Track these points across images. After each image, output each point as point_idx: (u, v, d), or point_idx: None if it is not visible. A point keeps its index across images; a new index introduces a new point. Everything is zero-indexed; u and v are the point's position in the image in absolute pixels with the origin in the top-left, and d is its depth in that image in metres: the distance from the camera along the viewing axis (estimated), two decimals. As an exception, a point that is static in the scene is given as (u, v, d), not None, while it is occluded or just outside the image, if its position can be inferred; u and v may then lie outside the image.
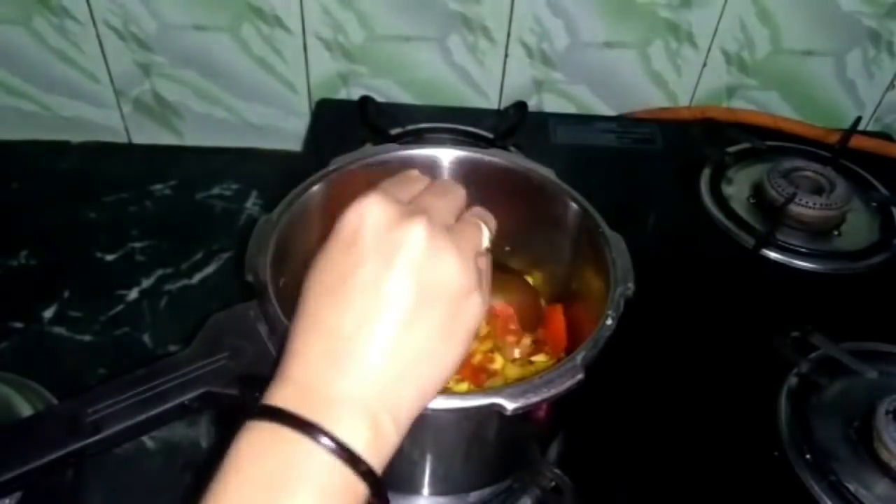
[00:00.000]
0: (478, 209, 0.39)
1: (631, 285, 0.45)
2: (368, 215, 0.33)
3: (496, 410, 0.37)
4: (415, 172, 0.40)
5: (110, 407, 0.38)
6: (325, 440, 0.29)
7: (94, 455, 0.38)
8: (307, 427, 0.29)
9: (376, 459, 0.30)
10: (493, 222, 0.39)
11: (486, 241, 0.37)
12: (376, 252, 0.32)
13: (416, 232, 0.32)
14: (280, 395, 0.31)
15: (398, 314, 0.31)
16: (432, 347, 0.32)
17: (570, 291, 0.55)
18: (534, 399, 0.38)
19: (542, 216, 0.55)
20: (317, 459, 0.29)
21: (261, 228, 0.47)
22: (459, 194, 0.38)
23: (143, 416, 0.38)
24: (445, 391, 0.35)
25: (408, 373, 0.32)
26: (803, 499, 0.50)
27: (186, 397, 0.39)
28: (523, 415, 0.38)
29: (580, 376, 0.39)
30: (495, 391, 0.38)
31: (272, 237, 0.46)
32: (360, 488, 0.30)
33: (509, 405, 0.37)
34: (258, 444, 0.30)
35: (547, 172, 0.54)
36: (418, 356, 0.32)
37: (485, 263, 0.36)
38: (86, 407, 0.38)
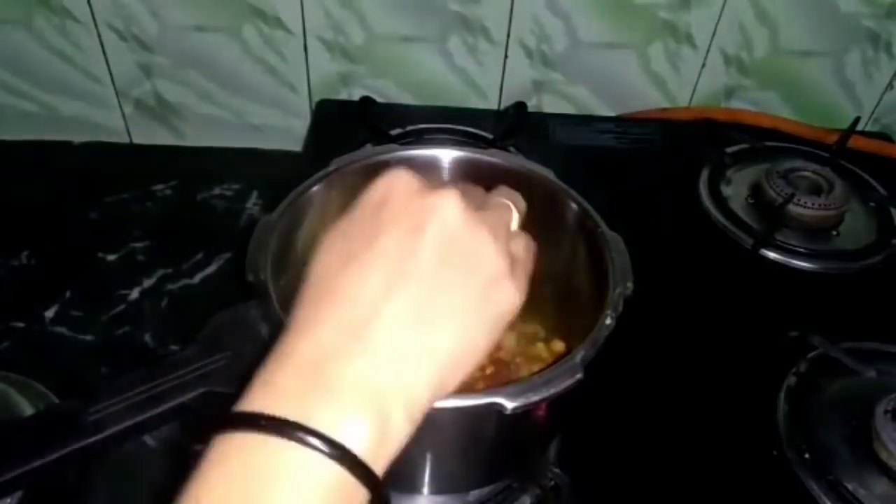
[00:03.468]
0: (504, 189, 0.37)
1: (630, 285, 0.46)
2: (399, 183, 0.31)
3: (496, 409, 0.38)
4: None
5: (111, 406, 0.38)
6: (317, 443, 0.25)
7: (96, 455, 0.38)
8: (294, 431, 0.25)
9: (382, 461, 0.27)
10: (522, 203, 0.36)
11: (515, 223, 0.35)
12: (407, 216, 0.30)
13: (449, 202, 0.30)
14: (281, 374, 0.27)
15: (427, 285, 0.29)
16: (460, 330, 0.29)
17: (569, 291, 0.55)
18: (533, 398, 0.38)
19: (541, 216, 0.55)
20: (307, 463, 0.25)
21: (261, 229, 0.47)
22: (480, 188, 0.37)
23: (143, 416, 0.38)
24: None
25: (431, 356, 0.28)
26: (802, 499, 0.50)
27: (187, 397, 0.39)
28: (523, 414, 0.38)
29: (579, 375, 0.39)
30: (495, 390, 0.39)
31: (272, 237, 0.47)
32: (360, 495, 0.26)
33: (509, 404, 0.38)
34: (235, 449, 0.25)
35: (546, 172, 0.54)
36: (444, 338, 0.29)
37: (520, 247, 0.34)
38: (87, 406, 0.38)
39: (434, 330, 0.29)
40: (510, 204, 0.35)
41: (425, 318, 0.29)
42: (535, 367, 0.54)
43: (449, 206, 0.30)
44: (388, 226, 0.30)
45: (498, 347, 0.55)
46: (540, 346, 0.57)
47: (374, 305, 0.28)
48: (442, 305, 0.29)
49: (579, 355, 0.40)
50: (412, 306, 0.28)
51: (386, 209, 0.30)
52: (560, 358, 0.45)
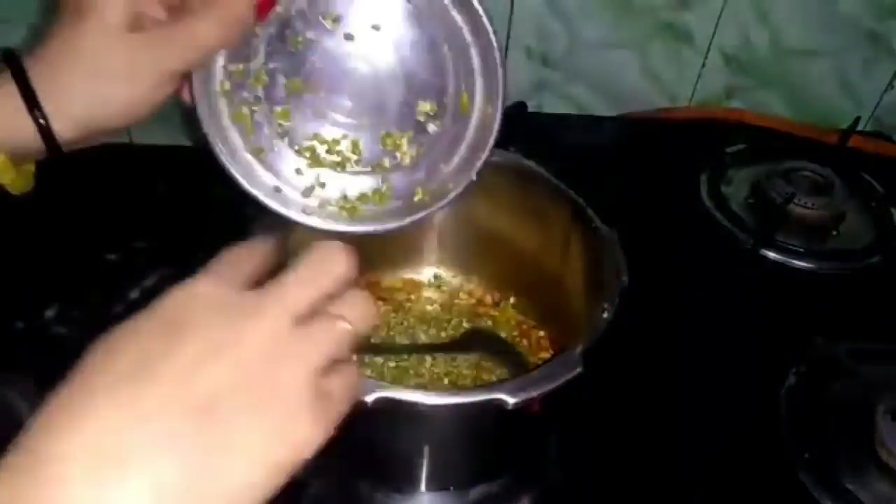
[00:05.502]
0: (353, 295, 0.30)
1: (625, 278, 0.46)
2: (201, 299, 0.28)
3: (497, 405, 0.38)
4: (265, 246, 0.33)
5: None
6: None
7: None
8: None
9: None
10: (366, 316, 0.30)
11: (342, 349, 0.29)
12: (205, 341, 0.26)
13: (253, 328, 0.27)
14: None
15: (206, 419, 0.25)
16: (226, 462, 0.25)
17: (565, 286, 0.55)
18: (534, 392, 0.38)
19: (535, 212, 0.56)
20: None
21: (258, 229, 0.47)
22: (331, 272, 0.30)
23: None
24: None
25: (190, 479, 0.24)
26: (803, 499, 0.50)
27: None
28: (523, 409, 0.38)
29: (579, 369, 0.39)
30: (496, 386, 0.39)
31: (269, 238, 0.47)
32: None
33: (510, 399, 0.38)
34: None
35: (541, 170, 0.55)
36: (210, 463, 0.25)
37: (337, 384, 0.29)
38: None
39: (202, 457, 0.25)
40: (342, 323, 0.29)
41: (197, 449, 0.25)
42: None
43: (252, 335, 0.27)
44: (178, 347, 0.26)
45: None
46: None
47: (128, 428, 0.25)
48: (218, 439, 0.25)
49: (578, 349, 0.41)
50: (183, 440, 0.25)
51: (180, 331, 0.27)
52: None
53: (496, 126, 0.43)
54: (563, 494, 0.50)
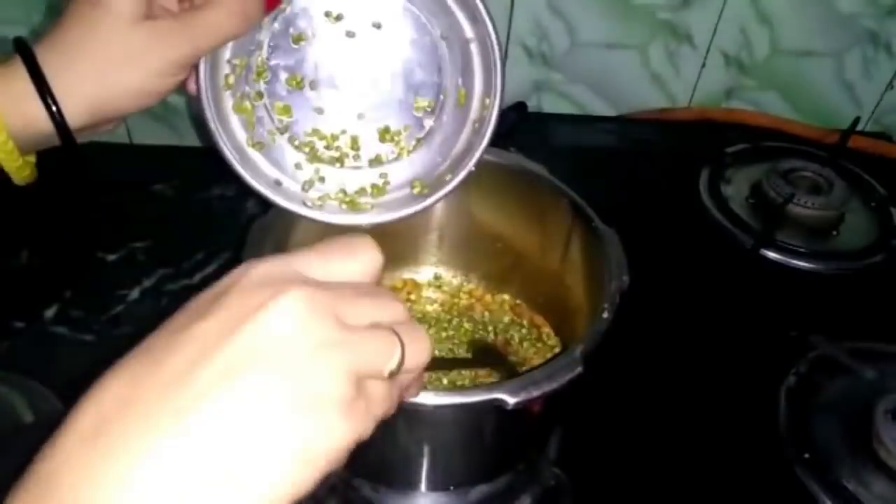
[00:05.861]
0: (410, 326, 0.29)
1: (625, 278, 0.46)
2: (253, 272, 0.26)
3: (497, 405, 0.38)
4: (363, 241, 0.31)
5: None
6: None
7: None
8: None
9: None
10: (423, 351, 0.29)
11: (392, 365, 0.27)
12: (238, 307, 0.25)
13: (292, 302, 0.25)
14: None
15: (216, 393, 0.23)
16: (244, 457, 0.23)
17: (565, 286, 0.55)
18: (535, 393, 0.38)
19: (535, 212, 0.56)
20: None
21: (255, 231, 0.48)
22: (394, 307, 0.29)
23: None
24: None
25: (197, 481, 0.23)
26: (803, 498, 0.50)
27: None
28: (523, 409, 0.38)
29: (579, 369, 0.39)
30: (496, 386, 0.39)
31: (267, 239, 0.47)
32: None
33: (510, 399, 0.38)
34: None
35: (540, 169, 0.55)
36: (220, 455, 0.23)
37: (379, 391, 0.27)
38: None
39: (207, 442, 0.23)
40: (397, 342, 0.27)
41: (206, 428, 0.23)
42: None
43: (289, 309, 0.25)
44: (204, 315, 0.25)
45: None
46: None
47: (133, 403, 0.24)
48: (235, 418, 0.23)
49: (579, 349, 0.41)
50: (193, 412, 0.23)
51: (216, 301, 0.26)
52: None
53: (493, 119, 0.44)
54: (563, 494, 0.50)
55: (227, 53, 0.42)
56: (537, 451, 0.52)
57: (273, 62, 0.44)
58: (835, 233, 0.73)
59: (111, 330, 0.63)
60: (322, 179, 0.46)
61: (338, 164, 0.46)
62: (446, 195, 0.45)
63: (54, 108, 0.36)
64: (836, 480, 0.50)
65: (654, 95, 0.88)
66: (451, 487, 0.49)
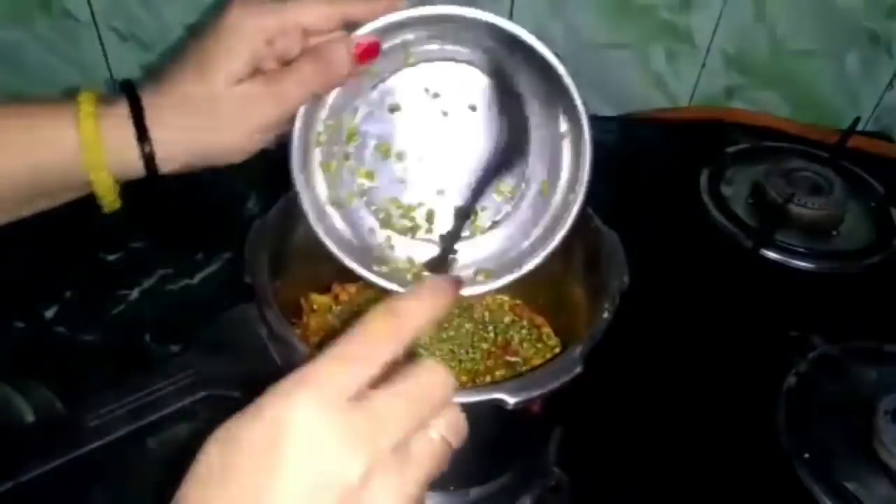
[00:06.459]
0: (452, 411, 0.29)
1: (625, 278, 0.46)
2: (294, 426, 0.25)
3: (497, 405, 0.38)
4: (388, 325, 0.28)
5: (111, 412, 0.38)
6: None
7: (97, 461, 0.38)
8: None
9: None
10: (461, 432, 0.30)
11: (442, 465, 0.29)
12: (305, 477, 0.25)
13: (353, 469, 0.25)
14: None
15: None
16: None
17: (565, 287, 0.55)
18: (535, 393, 0.38)
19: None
20: None
21: (256, 231, 0.48)
22: (437, 397, 0.29)
23: (143, 422, 0.38)
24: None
25: None
26: (802, 498, 0.50)
27: (187, 401, 0.39)
28: (523, 409, 0.38)
29: (579, 369, 0.39)
30: (496, 386, 0.39)
31: (268, 239, 0.47)
32: None
33: (511, 399, 0.38)
34: None
35: None
36: None
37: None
38: (87, 413, 0.38)
39: None
40: (446, 445, 0.29)
41: None
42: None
43: (350, 474, 0.25)
44: (275, 487, 0.24)
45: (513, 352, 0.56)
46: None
47: None
48: None
49: (579, 349, 0.41)
50: None
51: (275, 468, 0.24)
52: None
53: (573, 216, 0.44)
54: (563, 494, 0.50)
55: (324, 113, 0.43)
56: (537, 451, 0.52)
57: (364, 128, 0.44)
58: (834, 233, 0.73)
59: (111, 330, 0.63)
60: (392, 248, 0.47)
61: (409, 235, 0.47)
62: (507, 284, 0.45)
63: (149, 153, 0.39)
64: (836, 480, 0.50)
65: (654, 95, 0.88)
66: (451, 487, 0.49)
